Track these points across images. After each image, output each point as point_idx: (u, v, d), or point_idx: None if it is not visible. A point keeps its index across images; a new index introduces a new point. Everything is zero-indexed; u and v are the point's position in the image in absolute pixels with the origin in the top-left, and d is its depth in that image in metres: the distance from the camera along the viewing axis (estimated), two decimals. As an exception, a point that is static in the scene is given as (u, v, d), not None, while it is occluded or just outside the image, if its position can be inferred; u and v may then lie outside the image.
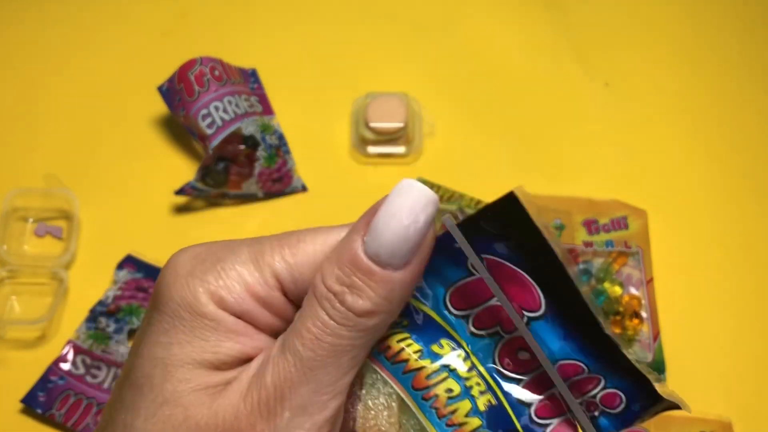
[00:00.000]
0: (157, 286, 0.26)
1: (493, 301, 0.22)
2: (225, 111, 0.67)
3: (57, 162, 0.72)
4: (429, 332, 0.23)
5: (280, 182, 0.70)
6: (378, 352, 0.23)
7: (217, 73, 0.69)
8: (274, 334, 0.25)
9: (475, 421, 0.22)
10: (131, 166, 0.72)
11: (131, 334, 0.61)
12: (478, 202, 0.69)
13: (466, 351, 0.22)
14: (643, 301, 0.64)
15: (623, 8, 0.84)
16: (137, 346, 0.25)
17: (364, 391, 0.23)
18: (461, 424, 0.22)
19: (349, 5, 0.83)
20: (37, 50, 0.80)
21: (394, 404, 0.23)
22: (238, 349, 0.24)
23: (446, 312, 0.23)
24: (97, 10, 0.83)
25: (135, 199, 0.70)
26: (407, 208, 0.24)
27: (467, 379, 0.22)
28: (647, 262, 0.66)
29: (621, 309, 0.63)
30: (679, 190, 0.72)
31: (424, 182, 0.70)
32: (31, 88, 0.77)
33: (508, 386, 0.22)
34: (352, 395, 0.23)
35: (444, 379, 0.22)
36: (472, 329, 0.22)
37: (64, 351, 0.61)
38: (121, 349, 0.60)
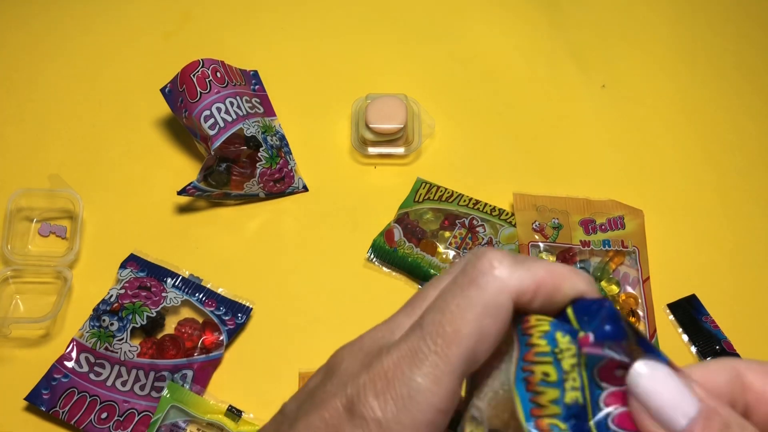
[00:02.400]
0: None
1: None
2: (227, 112, 0.68)
3: (61, 163, 0.73)
4: (561, 323, 0.25)
5: (282, 182, 0.71)
6: (519, 321, 0.26)
7: (219, 74, 0.69)
8: None
9: (556, 409, 0.23)
10: (134, 166, 0.73)
11: (134, 332, 0.62)
12: (477, 201, 0.70)
13: (579, 352, 0.24)
14: (639, 300, 0.65)
15: (620, 11, 0.85)
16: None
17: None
18: (542, 406, 0.23)
19: (350, 8, 0.84)
20: (40, 52, 0.80)
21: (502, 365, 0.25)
22: None
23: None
24: (99, 13, 0.83)
25: (138, 199, 0.71)
26: None
27: (567, 372, 0.24)
28: (644, 261, 0.67)
29: (618, 308, 0.64)
30: (676, 190, 0.73)
31: (424, 181, 0.71)
32: (34, 90, 0.78)
33: (597, 390, 0.23)
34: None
35: (548, 363, 0.24)
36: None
37: (68, 349, 0.62)
38: (124, 347, 0.61)
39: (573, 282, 0.26)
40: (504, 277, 0.24)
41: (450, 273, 0.27)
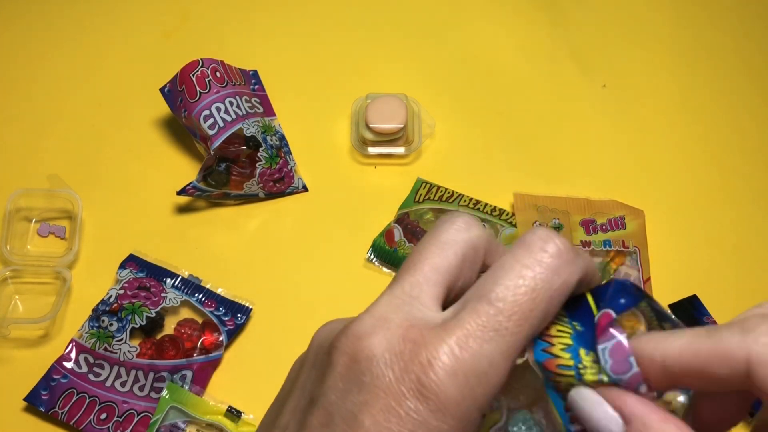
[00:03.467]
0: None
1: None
2: (226, 112, 0.67)
3: (60, 163, 0.72)
4: (585, 339, 0.25)
5: (281, 182, 0.71)
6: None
7: (218, 74, 0.69)
8: None
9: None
10: (134, 166, 0.73)
11: (133, 332, 0.61)
12: (477, 202, 0.70)
13: (602, 370, 0.24)
14: (640, 300, 0.65)
15: (621, 11, 0.85)
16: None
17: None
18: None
19: (350, 8, 0.84)
20: (39, 52, 0.80)
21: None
22: None
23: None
24: (99, 12, 0.83)
25: (137, 199, 0.71)
26: None
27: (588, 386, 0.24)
28: (644, 261, 0.67)
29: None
30: (676, 190, 0.73)
31: (424, 181, 0.71)
32: (34, 90, 0.78)
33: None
34: None
35: (570, 377, 0.25)
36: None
37: (67, 350, 0.61)
38: (124, 347, 0.60)
39: (597, 274, 0.27)
40: (574, 265, 0.25)
41: (448, 228, 0.26)
